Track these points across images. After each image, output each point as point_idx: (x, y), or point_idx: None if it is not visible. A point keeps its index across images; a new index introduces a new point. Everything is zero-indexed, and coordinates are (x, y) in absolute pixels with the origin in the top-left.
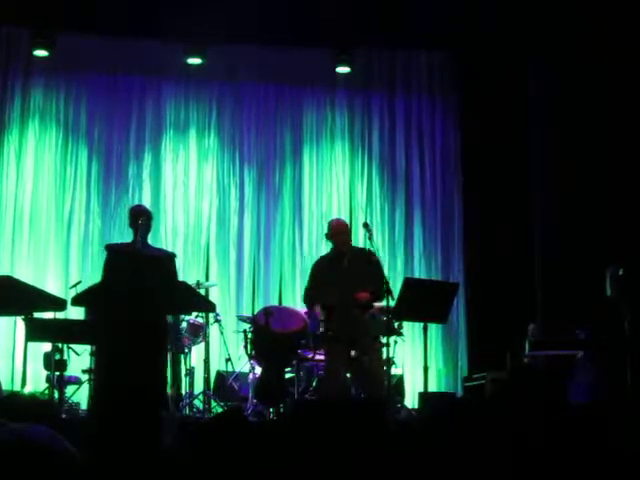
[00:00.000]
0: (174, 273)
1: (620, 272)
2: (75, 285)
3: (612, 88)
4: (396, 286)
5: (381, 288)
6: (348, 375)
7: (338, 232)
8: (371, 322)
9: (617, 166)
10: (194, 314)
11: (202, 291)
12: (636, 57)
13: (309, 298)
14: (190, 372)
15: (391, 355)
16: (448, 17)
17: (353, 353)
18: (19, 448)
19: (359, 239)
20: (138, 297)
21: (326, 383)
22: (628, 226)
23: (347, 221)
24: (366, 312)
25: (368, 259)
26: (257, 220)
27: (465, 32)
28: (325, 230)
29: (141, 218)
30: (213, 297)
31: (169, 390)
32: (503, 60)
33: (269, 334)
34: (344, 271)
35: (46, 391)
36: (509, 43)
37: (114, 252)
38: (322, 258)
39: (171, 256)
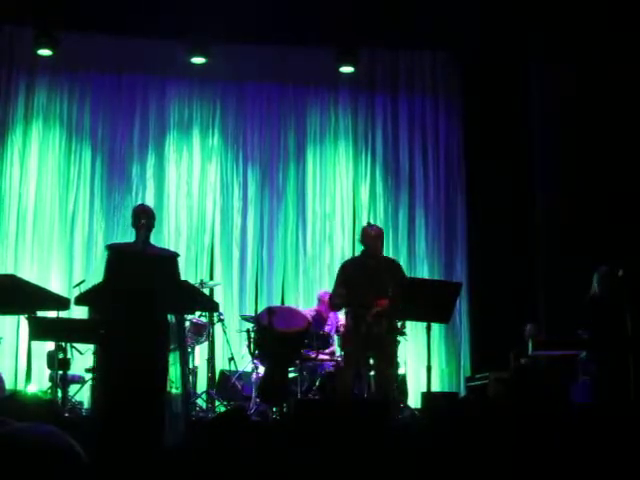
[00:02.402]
0: (177, 273)
1: (620, 272)
2: (79, 284)
3: (612, 88)
4: None
5: (401, 300)
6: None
7: (373, 237)
8: (378, 323)
9: (618, 166)
10: (197, 313)
11: (206, 290)
12: (636, 57)
13: (338, 304)
14: (193, 371)
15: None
16: (449, 17)
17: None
18: (24, 447)
19: None
20: (140, 297)
21: (338, 380)
22: (629, 226)
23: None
24: (382, 318)
25: (396, 269)
26: (260, 220)
27: (466, 32)
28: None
29: (143, 217)
30: (217, 296)
31: (179, 390)
32: (504, 60)
33: (272, 333)
34: (372, 275)
35: (49, 390)
36: (510, 43)
37: (116, 252)
38: (350, 261)
39: (174, 256)
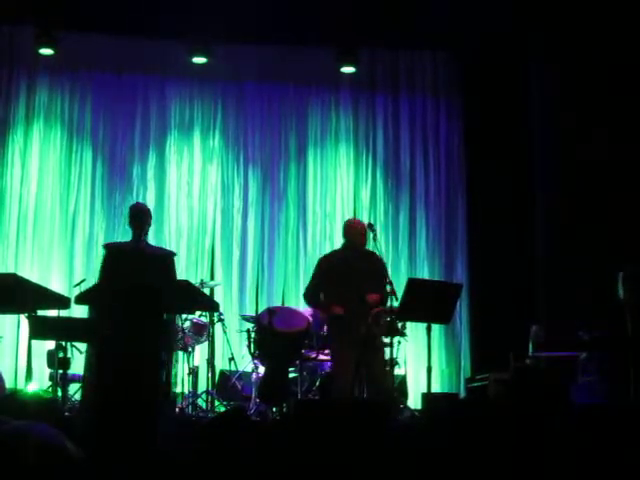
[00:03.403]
0: (173, 272)
1: (621, 273)
2: (79, 284)
3: (612, 88)
4: (400, 287)
5: (385, 291)
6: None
7: (358, 232)
8: (378, 323)
9: (618, 166)
10: (197, 313)
11: (206, 290)
12: (636, 57)
13: (314, 297)
14: (193, 371)
15: (394, 356)
16: (449, 17)
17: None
18: (20, 445)
19: None
20: (138, 295)
21: (337, 384)
22: (630, 226)
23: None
24: (380, 318)
25: (375, 261)
26: (261, 221)
27: (466, 32)
28: (341, 228)
29: (140, 216)
30: (217, 296)
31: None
32: (504, 60)
33: (272, 334)
34: (356, 270)
35: (49, 389)
36: (510, 43)
37: (114, 251)
38: (331, 255)
39: (170, 254)
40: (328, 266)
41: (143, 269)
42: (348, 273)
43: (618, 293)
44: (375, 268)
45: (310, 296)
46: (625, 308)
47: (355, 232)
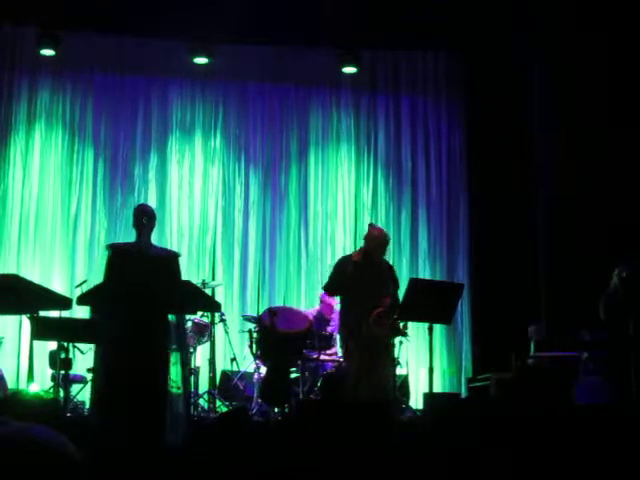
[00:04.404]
0: (178, 272)
1: (624, 274)
2: (80, 284)
3: (613, 88)
4: (401, 287)
5: (397, 298)
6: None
7: (380, 242)
8: (378, 324)
9: (619, 165)
10: (199, 314)
11: (208, 291)
12: (636, 57)
13: (335, 288)
14: (195, 371)
15: (396, 356)
16: (449, 17)
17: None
18: (20, 447)
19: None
20: (142, 297)
21: (353, 384)
22: (631, 226)
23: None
24: (386, 318)
25: (389, 269)
26: (262, 221)
27: (466, 32)
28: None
29: (144, 217)
30: (218, 297)
31: (180, 390)
32: (505, 61)
33: (274, 334)
34: (372, 277)
35: (51, 389)
36: (511, 44)
37: (118, 251)
38: (349, 259)
39: (175, 255)
40: (344, 268)
41: (147, 270)
42: (364, 278)
43: (618, 288)
44: (386, 274)
45: (330, 287)
46: (626, 308)
47: (377, 242)
